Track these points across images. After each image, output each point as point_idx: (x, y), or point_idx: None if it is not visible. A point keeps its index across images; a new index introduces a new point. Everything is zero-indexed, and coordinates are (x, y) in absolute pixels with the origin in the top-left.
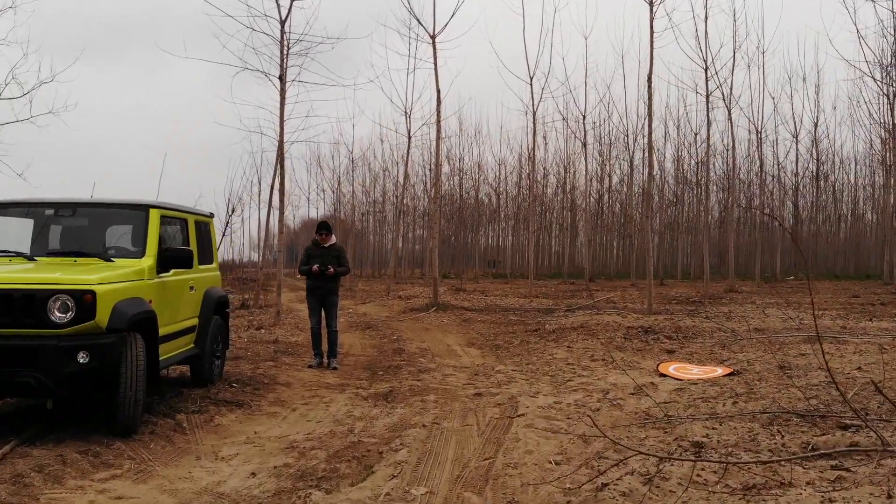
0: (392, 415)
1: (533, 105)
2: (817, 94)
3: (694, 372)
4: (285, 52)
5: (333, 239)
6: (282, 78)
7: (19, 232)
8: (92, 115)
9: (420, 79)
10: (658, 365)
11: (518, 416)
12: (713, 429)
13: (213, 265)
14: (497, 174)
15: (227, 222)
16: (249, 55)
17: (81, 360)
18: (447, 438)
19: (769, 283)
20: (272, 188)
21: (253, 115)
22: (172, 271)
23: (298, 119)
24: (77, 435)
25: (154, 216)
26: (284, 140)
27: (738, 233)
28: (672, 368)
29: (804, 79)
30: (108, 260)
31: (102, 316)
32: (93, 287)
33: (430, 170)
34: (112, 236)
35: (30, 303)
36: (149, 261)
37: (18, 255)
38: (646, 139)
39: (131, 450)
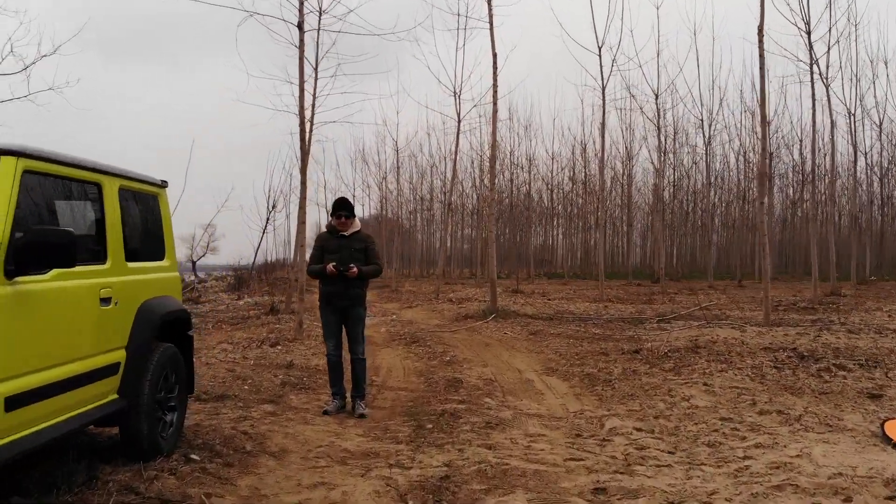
0: None
1: (602, 80)
2: None
3: None
4: None
5: (357, 225)
6: (300, 26)
7: None
8: (110, 114)
9: (469, 56)
10: (883, 423)
11: None
12: None
13: (166, 262)
14: (549, 168)
15: (268, 219)
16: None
17: None
18: None
19: (861, 284)
20: (303, 173)
21: (279, 91)
22: (53, 272)
23: (326, 89)
24: None
25: (8, 170)
26: (316, 114)
27: (810, 229)
28: None
29: (886, 63)
30: None
31: None
32: None
33: (479, 165)
34: None
35: None
36: None
37: None
38: (763, 122)
39: None
